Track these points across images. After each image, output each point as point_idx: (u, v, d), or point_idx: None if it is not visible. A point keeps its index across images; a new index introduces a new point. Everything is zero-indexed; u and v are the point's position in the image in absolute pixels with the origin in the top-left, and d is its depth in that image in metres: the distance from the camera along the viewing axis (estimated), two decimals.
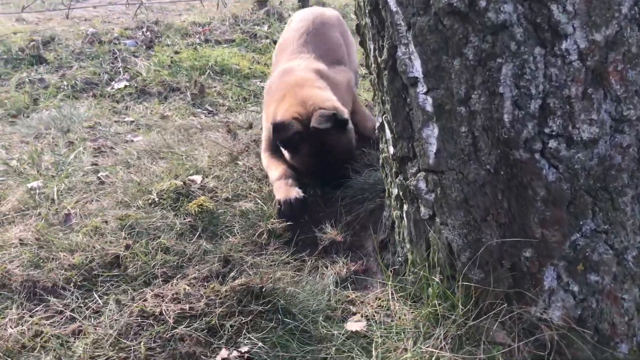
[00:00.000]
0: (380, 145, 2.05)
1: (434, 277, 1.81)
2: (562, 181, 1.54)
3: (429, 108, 1.59)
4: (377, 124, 1.92)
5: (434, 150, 1.64)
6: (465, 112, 1.53)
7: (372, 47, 1.73)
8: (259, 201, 2.58)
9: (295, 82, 2.95)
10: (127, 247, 2.24)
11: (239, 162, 2.93)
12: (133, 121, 3.43)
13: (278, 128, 2.64)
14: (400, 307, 1.98)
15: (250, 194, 2.65)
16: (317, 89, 2.89)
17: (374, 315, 1.96)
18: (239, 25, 5.12)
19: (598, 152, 1.51)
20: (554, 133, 1.49)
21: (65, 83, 3.80)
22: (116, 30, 4.79)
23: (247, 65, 4.25)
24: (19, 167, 2.80)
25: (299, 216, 2.52)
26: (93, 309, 2.00)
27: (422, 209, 1.79)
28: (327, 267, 2.27)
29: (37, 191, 2.59)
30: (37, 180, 2.68)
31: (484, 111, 1.51)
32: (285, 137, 2.64)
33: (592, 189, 1.55)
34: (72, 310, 1.99)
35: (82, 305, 2.01)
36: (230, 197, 2.62)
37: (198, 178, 2.75)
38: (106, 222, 2.41)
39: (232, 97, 3.79)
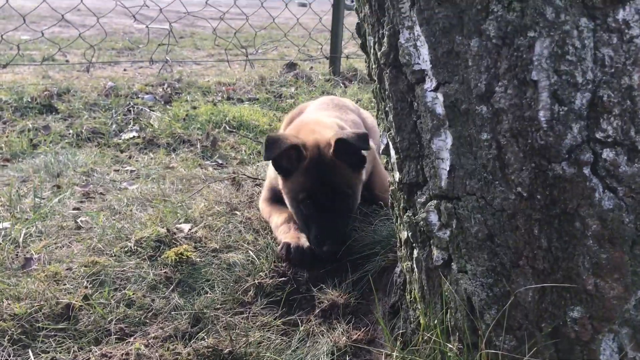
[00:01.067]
0: (388, 179, 1.66)
1: (450, 346, 1.36)
2: (623, 210, 1.12)
3: (440, 109, 1.21)
4: (382, 147, 1.54)
5: (447, 168, 1.24)
6: (488, 111, 1.15)
7: (372, 42, 1.39)
8: (251, 253, 2.19)
9: (312, 120, 2.66)
10: (84, 297, 1.87)
11: (237, 213, 2.57)
12: (134, 170, 3.15)
13: (271, 142, 2.23)
14: None
15: (242, 245, 2.27)
16: (335, 129, 2.54)
17: None
18: (264, 86, 4.92)
19: None
20: (609, 140, 1.08)
21: (70, 131, 3.58)
22: (136, 85, 4.64)
23: (266, 121, 3.98)
24: None
25: (308, 266, 2.18)
26: None
27: (435, 252, 1.37)
28: (323, 335, 1.83)
29: (2, 233, 2.27)
30: (7, 222, 2.37)
31: (512, 109, 1.12)
32: (278, 152, 2.23)
33: None
34: None
35: None
36: (218, 247, 2.24)
37: (186, 227, 2.39)
38: (70, 268, 2.06)
39: (245, 151, 3.49)
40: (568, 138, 1.09)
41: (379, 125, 1.57)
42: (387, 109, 1.41)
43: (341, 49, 5.51)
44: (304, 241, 2.23)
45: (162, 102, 4.32)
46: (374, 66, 1.42)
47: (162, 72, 5.11)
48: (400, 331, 1.76)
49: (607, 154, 1.09)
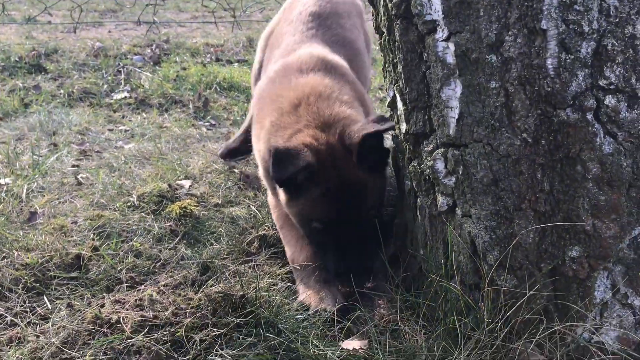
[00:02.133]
0: (392, 132, 1.72)
1: (454, 285, 1.44)
2: (622, 154, 1.20)
3: (451, 59, 1.27)
4: (388, 100, 1.60)
5: (456, 116, 1.30)
6: (497, 60, 1.21)
7: None
8: (253, 208, 2.25)
9: (311, 90, 1.98)
10: (93, 248, 1.91)
11: (235, 171, 2.62)
12: (128, 130, 3.16)
13: (280, 157, 1.72)
14: (411, 327, 1.61)
15: (243, 200, 2.32)
16: (345, 104, 1.94)
17: (377, 336, 1.59)
18: (252, 48, 4.91)
19: None
20: (612, 87, 1.16)
21: (61, 91, 3.57)
22: (124, 46, 4.60)
23: None
24: None
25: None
26: (40, 314, 1.66)
27: (440, 198, 1.44)
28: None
29: (5, 188, 2.30)
30: (8, 177, 2.39)
31: (520, 57, 1.18)
32: (291, 172, 1.73)
33: None
34: (15, 315, 1.65)
35: (27, 309, 1.68)
36: (220, 202, 2.29)
37: (187, 183, 2.44)
38: (75, 222, 2.10)
39: (238, 112, 3.52)
40: (573, 85, 1.16)
41: (385, 78, 1.62)
42: (395, 60, 1.46)
43: None
44: (327, 304, 1.73)
45: (151, 63, 4.30)
46: (383, 18, 1.46)
47: (149, 34, 5.07)
48: (401, 278, 1.84)
49: (609, 100, 1.16)
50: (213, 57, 4.58)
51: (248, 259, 1.97)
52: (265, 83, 2.21)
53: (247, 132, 2.55)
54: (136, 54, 4.49)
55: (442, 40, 1.27)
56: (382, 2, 1.44)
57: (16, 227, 2.03)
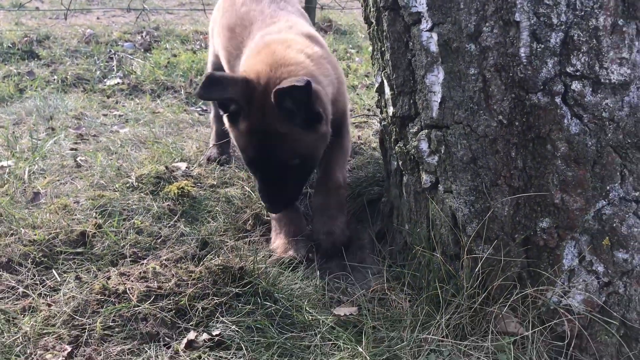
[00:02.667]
0: (380, 116, 1.84)
1: (437, 255, 1.57)
2: (587, 134, 1.33)
3: (434, 47, 1.39)
4: (376, 85, 1.72)
5: (439, 100, 1.43)
6: (476, 49, 1.33)
7: None
8: (247, 188, 2.37)
9: (280, 40, 2.08)
10: (96, 225, 2.02)
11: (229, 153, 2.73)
12: (122, 115, 3.25)
13: (210, 81, 1.80)
14: (397, 295, 1.74)
15: (237, 181, 2.44)
16: (306, 56, 2.01)
17: (366, 304, 1.72)
18: None
19: (629, 100, 1.30)
20: (577, 73, 1.29)
21: (55, 77, 3.64)
22: (115, 33, 4.67)
23: None
24: None
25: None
26: (50, 286, 1.77)
27: (424, 176, 1.57)
28: (314, 258, 2.03)
29: (7, 170, 2.39)
30: (9, 160, 2.48)
31: (496, 46, 1.31)
32: (216, 96, 1.90)
33: (621, 146, 1.34)
34: (26, 287, 1.75)
35: (37, 282, 1.78)
36: (215, 183, 2.40)
37: (183, 165, 2.54)
38: (77, 201, 2.20)
39: None
40: (543, 72, 1.29)
41: (373, 65, 1.74)
42: (383, 49, 1.58)
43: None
44: (298, 250, 1.99)
45: (142, 50, 4.37)
46: (372, 9, 1.58)
47: (138, 21, 5.13)
48: (387, 253, 1.98)
49: (576, 85, 1.29)
50: (202, 44, 4.66)
51: (244, 235, 2.09)
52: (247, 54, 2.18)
53: (217, 142, 2.71)
54: (127, 40, 4.56)
55: (426, 31, 1.39)
56: None
57: (21, 207, 2.13)
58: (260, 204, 2.25)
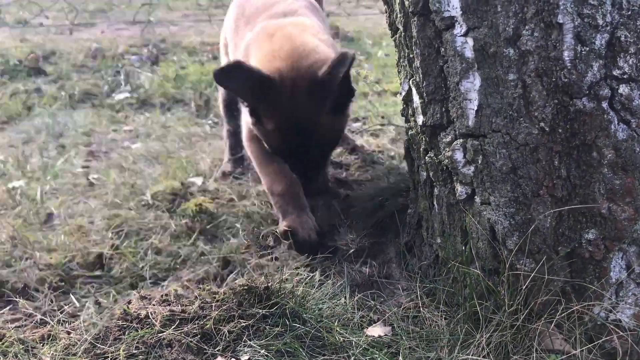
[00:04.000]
0: (406, 125, 1.77)
1: (475, 271, 1.50)
2: (635, 140, 1.26)
3: (469, 53, 1.32)
4: (403, 94, 1.65)
5: (475, 108, 1.36)
6: (515, 53, 1.26)
7: None
8: (264, 203, 2.30)
9: (292, 23, 2.07)
10: (113, 246, 1.96)
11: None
12: (132, 130, 3.20)
13: (234, 68, 1.79)
14: (431, 313, 1.67)
15: (255, 195, 2.37)
16: (322, 43, 1.99)
17: (399, 323, 1.65)
18: None
19: None
20: (625, 76, 1.21)
21: (62, 93, 3.59)
22: (121, 47, 4.62)
23: None
24: (1, 169, 2.54)
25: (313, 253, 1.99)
26: (68, 312, 1.70)
27: (458, 187, 1.50)
28: (341, 275, 1.96)
29: (19, 191, 2.33)
30: (21, 180, 2.42)
31: (537, 50, 1.23)
32: (232, 86, 1.86)
33: None
34: (44, 314, 1.69)
35: (56, 308, 1.72)
36: (234, 198, 2.34)
37: (198, 180, 2.48)
38: (92, 222, 2.14)
39: None
40: (589, 75, 1.22)
41: (399, 72, 1.67)
42: (412, 55, 1.51)
43: (323, 5, 5.53)
44: (309, 228, 2.03)
45: (149, 63, 4.32)
46: (399, 15, 1.51)
47: (144, 34, 5.08)
48: (416, 267, 1.90)
49: (623, 89, 1.22)
50: (210, 56, 4.61)
51: (266, 252, 2.02)
52: (247, 40, 2.15)
53: (232, 156, 2.71)
54: (133, 54, 4.51)
55: (460, 36, 1.32)
56: (397, 0, 1.49)
57: (35, 229, 2.07)
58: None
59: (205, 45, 4.92)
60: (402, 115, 1.79)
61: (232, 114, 2.70)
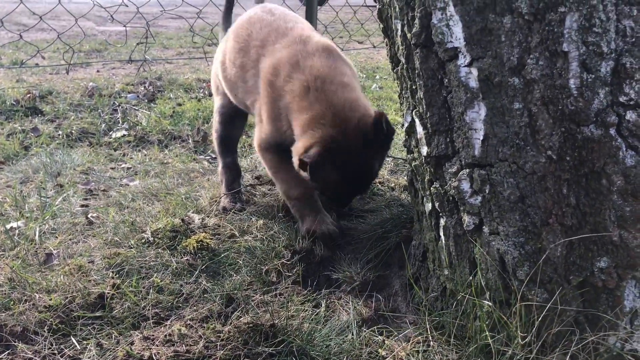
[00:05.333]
0: (409, 156, 1.77)
1: (487, 303, 1.47)
2: None
3: (474, 83, 1.32)
4: (405, 125, 1.64)
5: (481, 138, 1.35)
6: (520, 82, 1.26)
7: (399, 26, 1.49)
8: (265, 238, 2.27)
9: (318, 73, 2.17)
10: (114, 286, 1.92)
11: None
12: (130, 167, 3.18)
13: (315, 168, 2.03)
14: (441, 347, 1.63)
15: (256, 230, 2.34)
16: (349, 89, 2.19)
17: (409, 358, 1.61)
18: None
19: None
20: (631, 102, 1.21)
21: (60, 132, 3.58)
22: (117, 85, 4.63)
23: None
24: None
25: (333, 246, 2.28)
26: (69, 355, 1.65)
27: (466, 218, 1.48)
28: (347, 309, 1.92)
29: (17, 231, 2.29)
30: (19, 221, 2.39)
31: (543, 79, 1.24)
32: (323, 176, 2.07)
33: None
34: (44, 358, 1.64)
35: (56, 351, 1.67)
36: (235, 234, 2.31)
37: (197, 217, 2.45)
38: (92, 261, 2.10)
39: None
40: (595, 103, 1.22)
41: (401, 104, 1.67)
42: (414, 87, 1.51)
43: None
44: (327, 224, 2.29)
45: (146, 101, 4.33)
46: (401, 47, 1.52)
47: (140, 72, 5.11)
48: (422, 300, 1.87)
49: (630, 115, 1.22)
50: (206, 92, 4.63)
51: (269, 288, 1.99)
52: (274, 66, 2.29)
53: (229, 191, 2.74)
54: (130, 92, 4.52)
55: (464, 66, 1.33)
56: (399, 33, 1.50)
57: (34, 270, 2.03)
58: (283, 254, 2.16)
59: (201, 82, 4.95)
60: (405, 146, 1.79)
61: (227, 149, 2.80)
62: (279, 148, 2.31)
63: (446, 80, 1.39)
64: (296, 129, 2.17)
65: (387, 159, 3.28)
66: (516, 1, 1.21)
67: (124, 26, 4.60)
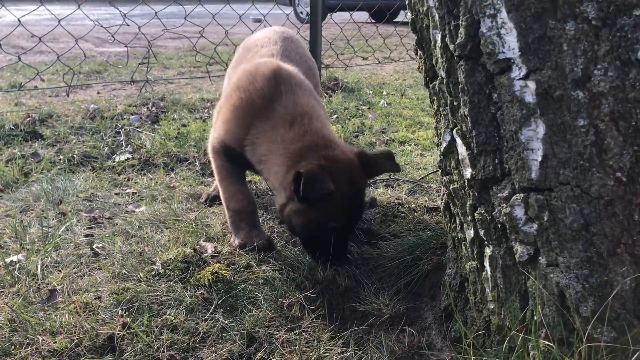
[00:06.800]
0: (444, 178, 1.62)
1: (546, 342, 1.31)
2: None
3: (530, 98, 1.18)
4: (443, 145, 1.50)
5: (539, 159, 1.21)
6: (585, 96, 1.12)
7: (438, 37, 1.35)
8: (284, 267, 2.12)
9: (304, 108, 2.25)
10: (124, 325, 1.76)
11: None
12: (135, 192, 3.02)
13: (311, 180, 1.96)
14: None
15: (273, 259, 2.19)
16: (323, 124, 2.30)
17: None
18: None
19: None
20: None
21: (61, 157, 3.43)
22: (119, 107, 4.50)
23: None
24: None
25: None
26: None
27: (518, 247, 1.33)
28: (378, 346, 1.76)
29: (17, 265, 2.14)
30: (19, 253, 2.23)
31: (612, 92, 1.10)
32: (321, 193, 1.99)
33: None
34: None
35: None
36: (251, 263, 2.15)
37: (210, 245, 2.30)
38: (99, 297, 1.94)
39: None
40: None
41: (438, 122, 1.53)
42: (455, 103, 1.37)
43: (321, 59, 5.48)
44: (259, 238, 2.27)
45: (149, 122, 4.19)
46: (440, 60, 1.38)
47: (142, 92, 4.98)
48: (459, 334, 1.72)
49: None
50: (211, 112, 4.49)
51: (293, 325, 1.83)
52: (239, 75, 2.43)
53: None
54: (132, 113, 4.38)
55: (519, 79, 1.19)
56: (439, 44, 1.36)
57: (36, 309, 1.87)
58: (304, 285, 2.00)
59: (205, 102, 4.81)
60: (440, 167, 1.64)
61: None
62: (227, 155, 2.37)
63: (495, 95, 1.25)
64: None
65: (402, 177, 3.14)
66: (581, 5, 1.08)
67: (126, 46, 4.49)
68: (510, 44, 1.18)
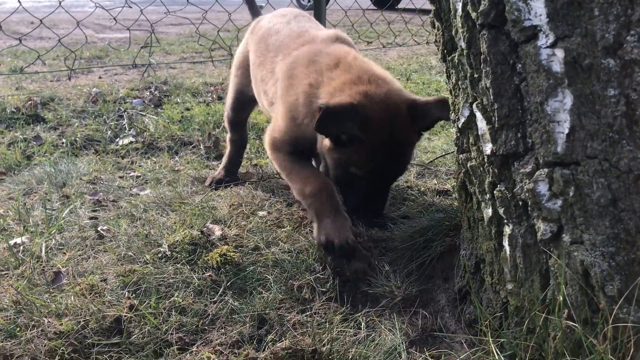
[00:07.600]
0: (461, 156, 1.57)
1: (570, 323, 1.27)
2: None
3: (558, 67, 1.13)
4: (462, 120, 1.45)
5: (566, 131, 1.16)
6: (616, 65, 1.07)
7: (459, 5, 1.30)
8: (294, 250, 2.07)
9: (345, 52, 2.20)
10: (132, 307, 1.72)
11: (264, 211, 2.44)
12: (140, 176, 2.98)
13: (327, 117, 1.83)
14: None
15: (282, 242, 2.15)
16: (375, 66, 2.19)
17: None
18: None
19: None
20: None
21: (63, 140, 3.38)
22: (122, 90, 4.44)
23: (264, 119, 3.86)
24: (1, 224, 2.31)
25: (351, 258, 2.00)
26: None
27: (541, 225, 1.28)
28: (391, 329, 1.72)
29: (21, 247, 2.09)
30: (23, 236, 2.19)
31: None
32: (349, 127, 1.88)
33: None
34: None
35: None
36: (259, 245, 2.11)
37: (217, 227, 2.25)
38: (105, 280, 1.90)
39: (250, 149, 3.35)
40: None
41: (456, 97, 1.48)
42: (476, 75, 1.32)
43: None
44: (346, 232, 1.99)
45: (152, 106, 4.14)
46: (460, 30, 1.32)
47: (144, 76, 4.92)
48: (474, 316, 1.68)
49: None
50: (215, 96, 4.44)
51: (304, 307, 1.79)
52: (293, 61, 2.30)
53: (229, 165, 2.90)
54: (135, 97, 4.33)
55: (546, 47, 1.13)
56: (460, 13, 1.30)
57: (41, 291, 1.83)
58: (314, 267, 1.96)
59: (208, 86, 4.76)
60: (456, 145, 1.59)
61: (238, 127, 2.95)
62: (291, 148, 2.26)
63: (519, 65, 1.20)
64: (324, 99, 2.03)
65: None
66: None
67: (128, 29, 4.43)
68: (537, 10, 1.13)
